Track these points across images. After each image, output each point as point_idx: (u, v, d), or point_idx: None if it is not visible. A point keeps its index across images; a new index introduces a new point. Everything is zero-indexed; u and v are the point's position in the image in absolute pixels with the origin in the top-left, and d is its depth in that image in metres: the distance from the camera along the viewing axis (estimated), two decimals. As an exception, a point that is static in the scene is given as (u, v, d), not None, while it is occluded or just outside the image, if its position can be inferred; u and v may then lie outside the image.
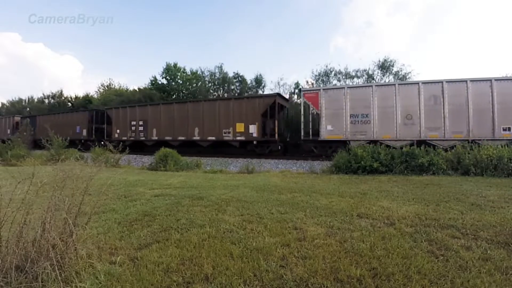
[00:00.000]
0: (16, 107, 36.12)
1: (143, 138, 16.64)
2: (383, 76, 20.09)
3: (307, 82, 22.90)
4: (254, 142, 13.15)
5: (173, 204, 4.00)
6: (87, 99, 31.44)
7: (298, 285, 1.86)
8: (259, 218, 3.33)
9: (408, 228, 2.91)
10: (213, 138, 14.18)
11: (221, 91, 25.39)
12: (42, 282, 1.72)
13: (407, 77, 18.97)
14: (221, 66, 25.72)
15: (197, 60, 64.21)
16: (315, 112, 12.05)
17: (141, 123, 16.80)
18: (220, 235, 2.76)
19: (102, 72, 72.77)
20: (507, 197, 4.30)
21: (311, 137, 11.86)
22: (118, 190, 5.08)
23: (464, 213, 3.43)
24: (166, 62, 27.42)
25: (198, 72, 26.61)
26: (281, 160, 11.98)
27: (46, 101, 35.17)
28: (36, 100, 36.26)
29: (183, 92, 26.03)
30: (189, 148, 15.00)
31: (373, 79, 20.13)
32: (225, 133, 13.88)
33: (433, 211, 3.56)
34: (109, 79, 44.44)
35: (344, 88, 11.49)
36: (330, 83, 21.31)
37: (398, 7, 58.20)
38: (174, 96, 25.98)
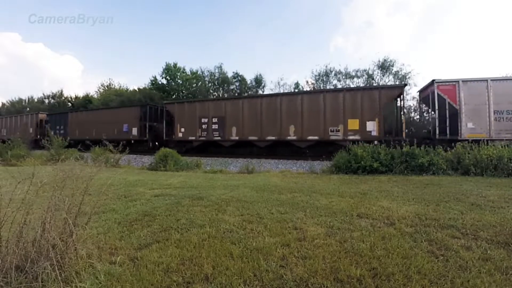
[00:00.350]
0: (16, 107, 36.12)
1: (218, 138, 14.01)
2: (383, 76, 20.10)
3: (307, 82, 22.93)
4: (375, 142, 10.52)
5: (173, 204, 4.00)
6: (87, 99, 31.48)
7: (298, 285, 1.86)
8: (259, 218, 3.33)
9: (408, 228, 2.91)
10: (316, 137, 11.71)
11: (221, 91, 25.42)
12: (42, 282, 1.72)
13: (407, 77, 18.99)
14: (220, 66, 25.80)
15: (197, 60, 64.27)
16: (450, 107, 10.64)
17: (215, 120, 14.08)
18: (220, 235, 2.76)
19: (102, 72, 72.84)
20: (507, 197, 4.30)
21: (448, 136, 10.44)
22: (118, 190, 5.08)
23: (464, 213, 3.43)
24: (166, 62, 27.48)
25: (198, 72, 26.66)
26: (281, 160, 11.95)
27: (46, 101, 35.22)
28: (36, 100, 36.31)
29: (182, 92, 26.06)
30: (281, 149, 13.13)
31: (373, 79, 20.14)
32: (332, 131, 11.47)
33: (433, 211, 3.56)
34: (109, 79, 44.60)
35: (486, 80, 10.23)
36: (330, 83, 21.33)
37: (398, 7, 58.26)
38: (174, 96, 25.99)
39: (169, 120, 16.25)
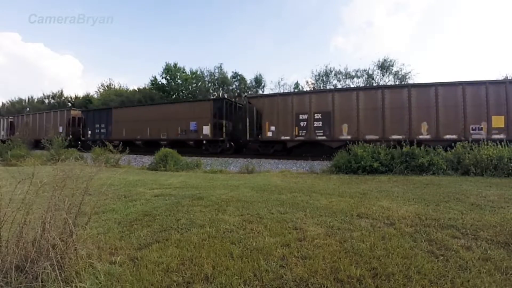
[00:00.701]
0: (16, 107, 36.12)
1: (323, 138, 11.77)
2: (383, 76, 20.11)
3: (307, 82, 22.91)
4: None
5: (173, 204, 4.00)
6: (87, 99, 31.48)
7: (298, 285, 1.86)
8: (259, 218, 3.33)
9: (408, 228, 2.91)
10: (453, 136, 10.05)
11: (221, 91, 25.43)
12: (42, 282, 1.72)
13: (407, 77, 19.00)
14: (220, 66, 25.80)
15: (197, 60, 64.07)
16: None
17: (317, 116, 11.86)
18: (220, 235, 2.76)
19: (102, 72, 72.68)
20: (507, 197, 4.30)
21: None
22: (118, 190, 5.08)
23: (464, 213, 3.43)
24: (166, 62, 27.47)
25: (198, 72, 26.68)
26: (281, 160, 11.94)
27: (46, 101, 35.21)
28: (36, 100, 36.31)
29: (182, 92, 26.06)
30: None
31: (373, 79, 20.14)
32: (473, 129, 9.99)
33: (433, 211, 3.56)
34: (109, 79, 44.46)
35: None
36: (330, 83, 21.30)
37: (398, 7, 58.25)
38: (174, 96, 25.99)
39: (252, 117, 13.89)
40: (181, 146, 14.79)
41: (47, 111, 23.27)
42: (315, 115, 11.98)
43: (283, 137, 12.51)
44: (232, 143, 15.11)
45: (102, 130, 18.10)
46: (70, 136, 18.96)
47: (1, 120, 25.38)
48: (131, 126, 16.87)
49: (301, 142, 12.33)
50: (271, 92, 22.51)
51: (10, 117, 25.42)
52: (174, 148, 12.48)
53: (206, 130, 14.21)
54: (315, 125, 11.93)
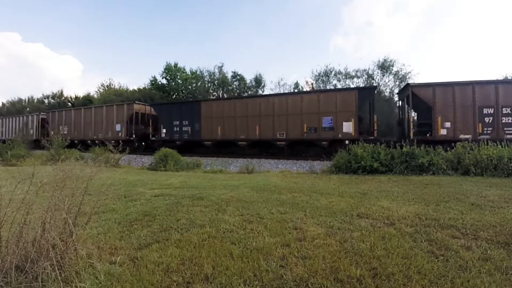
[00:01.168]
0: (16, 107, 36.08)
1: None
2: (383, 76, 20.09)
3: (306, 82, 22.90)
4: None
5: (173, 204, 4.00)
6: (87, 99, 31.45)
7: (298, 285, 1.86)
8: (259, 218, 3.33)
9: (408, 228, 2.91)
10: None
11: (221, 91, 25.43)
12: (42, 282, 1.72)
13: (407, 77, 18.99)
14: (221, 66, 25.78)
15: (197, 60, 64.27)
16: None
17: (506, 110, 9.81)
18: (220, 235, 2.76)
19: (102, 72, 72.85)
20: (507, 197, 4.30)
21: None
22: (118, 190, 5.08)
23: (464, 213, 3.43)
24: (166, 62, 27.48)
25: (198, 72, 26.66)
26: (281, 160, 11.92)
27: (46, 101, 35.19)
28: (36, 100, 36.29)
29: (182, 92, 26.05)
30: None
31: (373, 79, 20.13)
32: None
33: (433, 211, 3.56)
34: (109, 79, 44.49)
35: None
36: (330, 83, 21.29)
37: (398, 7, 58.23)
38: (174, 96, 25.97)
39: (416, 110, 11.52)
40: (306, 146, 12.36)
41: (98, 105, 18.95)
42: (503, 109, 9.83)
43: (462, 136, 10.01)
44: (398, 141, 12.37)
45: (184, 129, 14.48)
46: (134, 136, 15.55)
47: (29, 117, 21.79)
48: (230, 123, 13.58)
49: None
50: (270, 92, 22.39)
51: (42, 113, 21.50)
52: (294, 150, 10.56)
53: (348, 127, 11.08)
54: (504, 121, 9.77)
